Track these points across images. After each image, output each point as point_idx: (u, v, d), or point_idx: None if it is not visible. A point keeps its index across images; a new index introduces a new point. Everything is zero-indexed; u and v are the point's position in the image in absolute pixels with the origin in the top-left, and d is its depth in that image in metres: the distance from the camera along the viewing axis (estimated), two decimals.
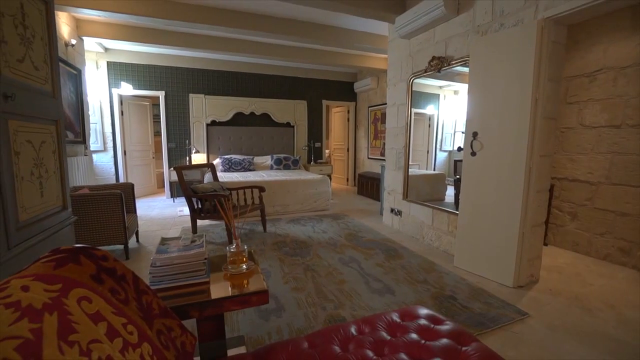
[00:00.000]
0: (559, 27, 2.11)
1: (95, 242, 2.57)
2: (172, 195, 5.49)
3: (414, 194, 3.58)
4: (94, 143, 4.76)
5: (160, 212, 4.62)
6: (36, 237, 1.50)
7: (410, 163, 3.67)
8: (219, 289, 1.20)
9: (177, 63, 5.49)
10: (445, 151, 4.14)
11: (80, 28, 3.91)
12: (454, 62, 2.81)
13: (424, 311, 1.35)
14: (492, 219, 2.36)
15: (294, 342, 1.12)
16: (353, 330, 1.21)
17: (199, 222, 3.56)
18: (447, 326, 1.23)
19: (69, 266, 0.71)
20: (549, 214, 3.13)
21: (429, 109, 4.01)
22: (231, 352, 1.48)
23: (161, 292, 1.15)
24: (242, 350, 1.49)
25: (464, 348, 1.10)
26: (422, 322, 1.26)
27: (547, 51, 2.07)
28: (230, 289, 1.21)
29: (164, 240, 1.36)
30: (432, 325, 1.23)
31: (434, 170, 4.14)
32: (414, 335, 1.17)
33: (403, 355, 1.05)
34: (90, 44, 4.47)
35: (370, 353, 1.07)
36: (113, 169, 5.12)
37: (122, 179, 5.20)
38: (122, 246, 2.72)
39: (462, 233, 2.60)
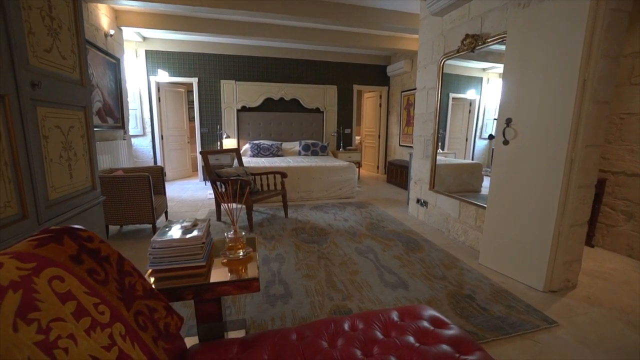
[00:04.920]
0: None
1: (125, 221, 2.79)
2: (204, 179, 5.76)
3: (446, 185, 3.36)
4: (134, 128, 5.11)
5: (192, 194, 4.88)
6: (65, 215, 1.63)
7: (445, 151, 3.42)
8: (215, 274, 1.22)
9: (209, 50, 5.63)
10: (485, 139, 3.81)
11: (119, 19, 4.14)
12: (489, 39, 2.51)
13: (427, 312, 1.26)
14: (524, 215, 2.13)
15: (282, 333, 1.11)
16: (346, 325, 1.17)
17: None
18: (450, 331, 1.13)
19: (49, 246, 0.74)
20: (598, 212, 2.76)
21: (470, 94, 3.68)
22: (232, 335, 1.53)
23: (160, 273, 1.20)
24: (242, 333, 1.52)
25: (463, 357, 1.00)
26: (423, 323, 1.18)
27: (604, 21, 1.75)
28: (225, 274, 1.23)
29: (168, 223, 1.41)
30: (433, 328, 1.15)
31: (472, 159, 3.83)
32: (409, 338, 1.09)
33: (392, 358, 0.99)
34: (130, 33, 4.72)
35: (357, 352, 1.02)
36: (151, 153, 5.48)
37: (159, 162, 5.55)
38: (150, 225, 2.92)
39: (490, 228, 2.39)
